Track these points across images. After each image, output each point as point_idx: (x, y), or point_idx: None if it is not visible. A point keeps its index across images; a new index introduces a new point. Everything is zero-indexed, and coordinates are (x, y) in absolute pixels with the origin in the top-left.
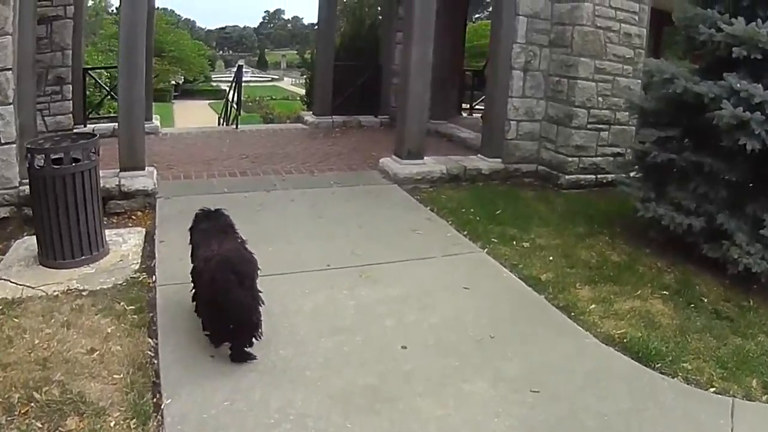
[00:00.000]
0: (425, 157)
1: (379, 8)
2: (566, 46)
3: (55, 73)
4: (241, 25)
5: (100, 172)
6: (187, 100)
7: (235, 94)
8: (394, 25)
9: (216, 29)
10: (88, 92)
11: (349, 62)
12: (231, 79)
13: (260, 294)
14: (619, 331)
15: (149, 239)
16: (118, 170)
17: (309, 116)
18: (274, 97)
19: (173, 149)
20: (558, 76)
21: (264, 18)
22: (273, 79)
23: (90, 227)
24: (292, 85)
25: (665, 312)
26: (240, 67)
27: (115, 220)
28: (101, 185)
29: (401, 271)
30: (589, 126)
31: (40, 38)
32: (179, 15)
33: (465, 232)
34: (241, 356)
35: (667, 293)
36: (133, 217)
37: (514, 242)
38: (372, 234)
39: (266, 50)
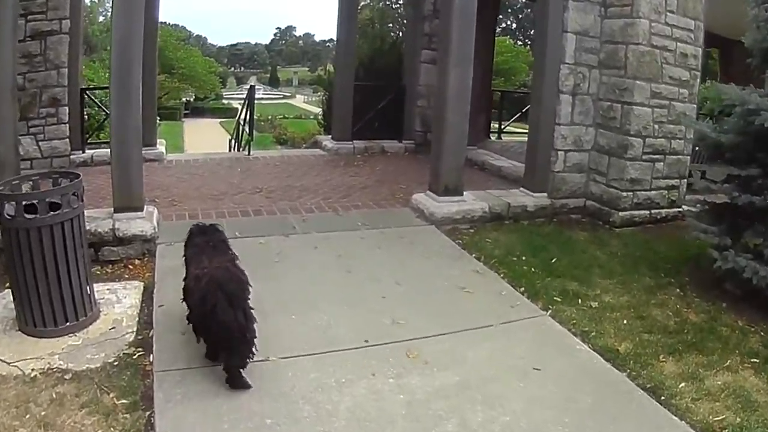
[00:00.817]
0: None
1: (390, 24)
2: (619, 68)
3: (49, 93)
4: (253, 42)
5: (92, 211)
6: (197, 118)
7: (247, 116)
8: (419, 42)
9: (227, 46)
10: (88, 113)
11: (369, 82)
12: (242, 96)
13: (252, 311)
14: (716, 418)
15: (147, 298)
16: (113, 210)
17: (327, 141)
18: (286, 116)
19: (178, 180)
20: (610, 101)
21: (275, 35)
22: (285, 97)
23: (75, 289)
24: (305, 102)
25: (759, 387)
26: (252, 87)
27: (109, 270)
28: (92, 228)
29: (455, 348)
30: (643, 157)
31: (33, 55)
32: (190, 31)
33: (521, 289)
34: (236, 382)
35: (757, 361)
36: (130, 266)
37: (579, 300)
38: (414, 294)
39: (278, 67)
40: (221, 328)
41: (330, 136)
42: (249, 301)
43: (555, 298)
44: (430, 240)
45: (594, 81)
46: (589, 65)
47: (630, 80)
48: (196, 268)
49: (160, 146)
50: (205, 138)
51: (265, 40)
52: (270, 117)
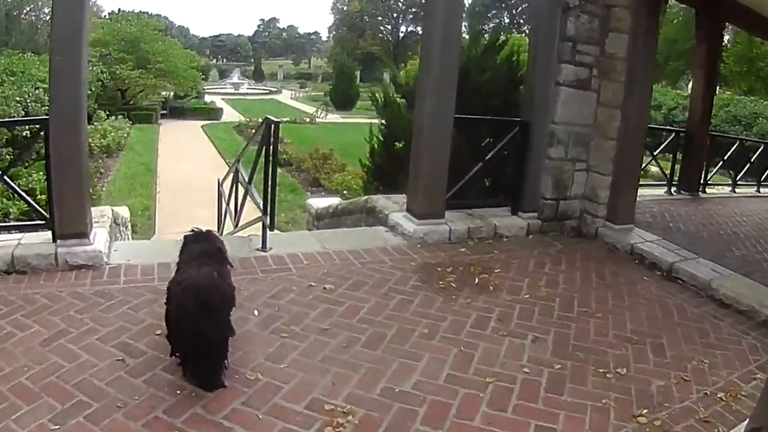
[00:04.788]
0: None
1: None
2: None
3: None
4: (236, 33)
5: None
6: (176, 120)
7: (264, 170)
8: (556, 51)
9: (210, 37)
10: None
11: (463, 115)
12: (227, 92)
13: (230, 323)
14: None
15: None
16: None
17: (401, 218)
18: (281, 120)
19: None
20: None
21: (259, 26)
22: (271, 92)
23: None
24: (292, 98)
25: None
26: (276, 126)
27: None
28: None
29: None
30: None
31: None
32: (172, 21)
33: None
34: (210, 384)
35: None
36: None
37: None
38: None
39: (262, 60)
40: (189, 338)
41: (407, 208)
42: (228, 314)
43: None
44: None
45: None
46: None
47: None
48: (182, 273)
49: (100, 232)
50: (186, 152)
51: (249, 31)
52: (261, 120)
